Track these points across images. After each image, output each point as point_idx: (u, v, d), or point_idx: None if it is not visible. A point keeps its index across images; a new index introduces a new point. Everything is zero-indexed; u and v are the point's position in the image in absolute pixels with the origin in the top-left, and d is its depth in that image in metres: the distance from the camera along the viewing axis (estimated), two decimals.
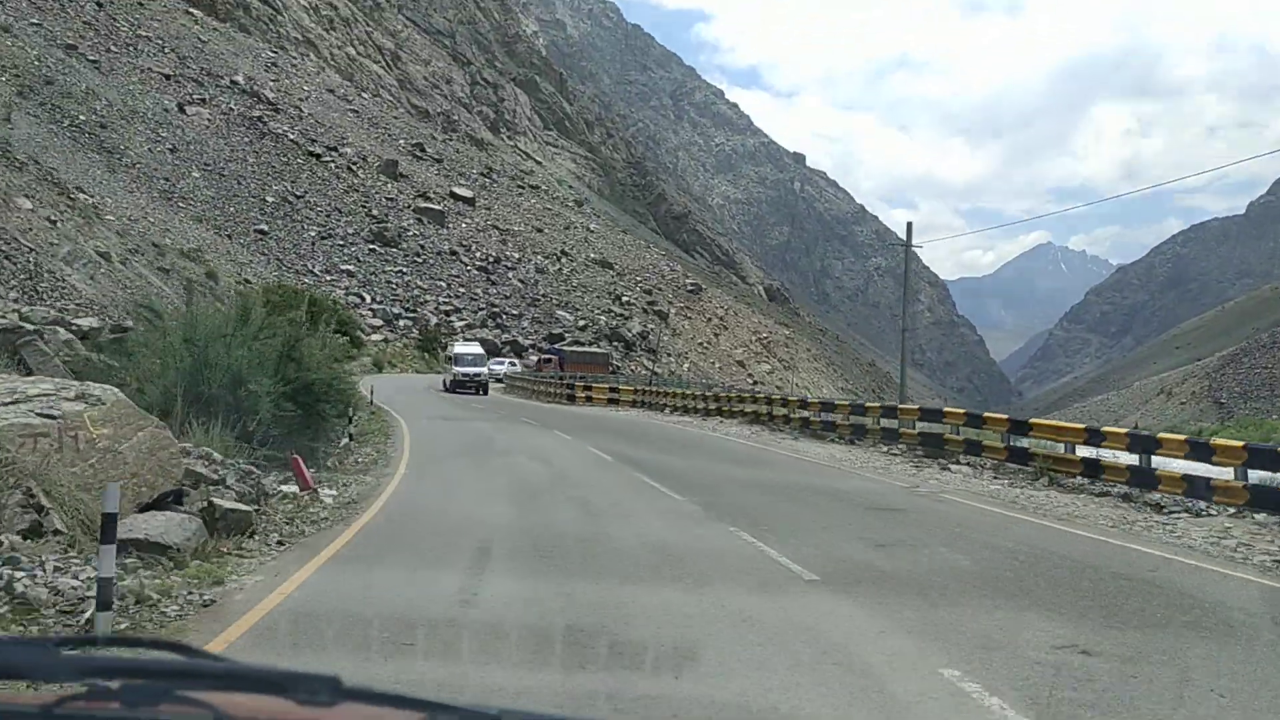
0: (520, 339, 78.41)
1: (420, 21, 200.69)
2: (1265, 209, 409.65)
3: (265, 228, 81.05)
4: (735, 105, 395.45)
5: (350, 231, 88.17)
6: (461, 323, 76.05)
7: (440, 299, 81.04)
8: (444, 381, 49.74)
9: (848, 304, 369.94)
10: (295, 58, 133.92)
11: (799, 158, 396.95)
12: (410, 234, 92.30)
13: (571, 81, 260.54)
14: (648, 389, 43.32)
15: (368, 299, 75.06)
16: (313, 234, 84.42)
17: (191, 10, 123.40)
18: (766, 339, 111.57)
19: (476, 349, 51.89)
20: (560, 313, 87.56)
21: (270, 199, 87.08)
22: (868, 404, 26.88)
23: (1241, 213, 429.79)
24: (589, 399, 42.73)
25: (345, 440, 18.80)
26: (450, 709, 1.43)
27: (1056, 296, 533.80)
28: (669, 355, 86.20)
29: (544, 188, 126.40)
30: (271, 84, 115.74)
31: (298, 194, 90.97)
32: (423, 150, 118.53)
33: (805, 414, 26.36)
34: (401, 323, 72.05)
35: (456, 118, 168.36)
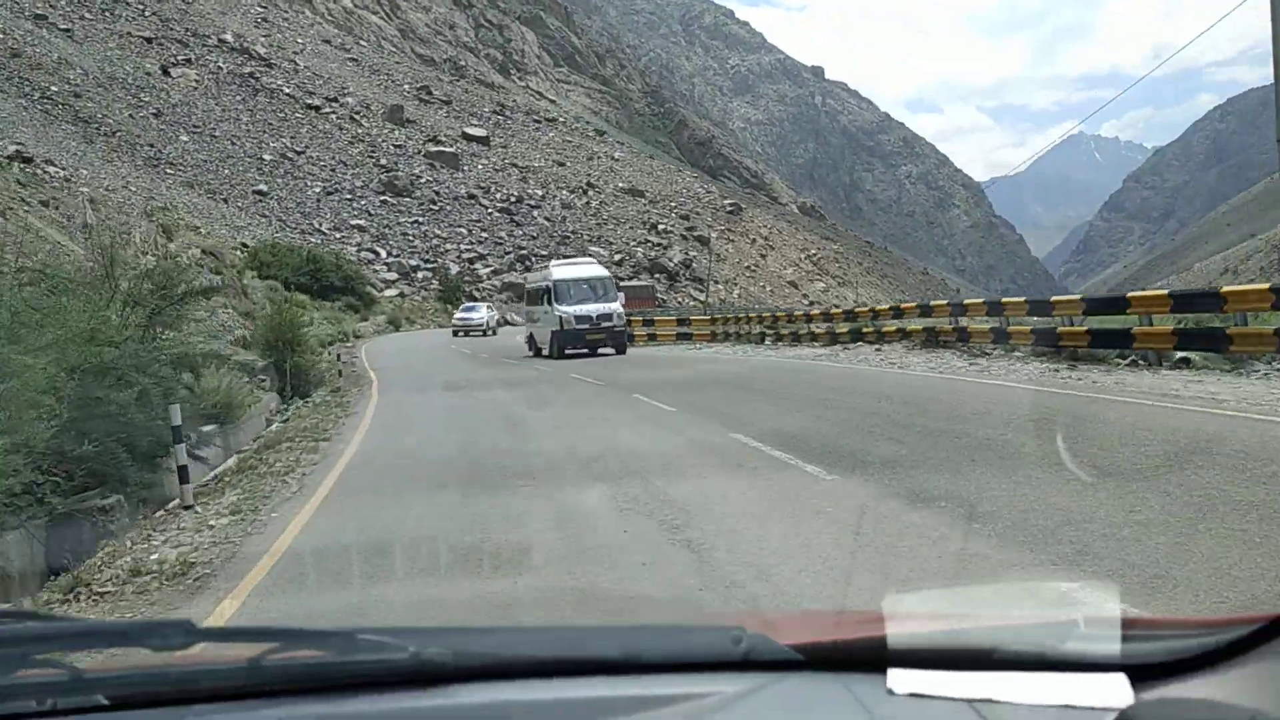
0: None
1: None
2: None
3: (264, 188, 73.41)
4: (747, 24, 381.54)
5: (359, 184, 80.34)
6: (487, 269, 68.27)
7: (462, 246, 73.21)
8: (529, 340, 30.22)
9: (881, 216, 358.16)
10: (287, 12, 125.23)
11: (818, 71, 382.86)
12: (423, 181, 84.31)
13: (578, 16, 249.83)
14: (727, 317, 35.08)
15: (382, 254, 67.40)
16: (317, 190, 76.71)
17: None
18: (816, 256, 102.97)
19: (594, 270, 30.00)
20: (593, 249, 79.39)
21: (268, 157, 79.32)
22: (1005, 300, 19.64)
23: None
24: (652, 337, 34.26)
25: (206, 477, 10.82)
26: (300, 634, 1.47)
27: (1093, 187, 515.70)
28: (716, 282, 77.95)
29: (561, 120, 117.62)
30: (263, 40, 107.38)
31: (298, 149, 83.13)
32: (429, 93, 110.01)
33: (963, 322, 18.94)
34: (420, 275, 64.31)
35: (464, 63, 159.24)
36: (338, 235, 69.42)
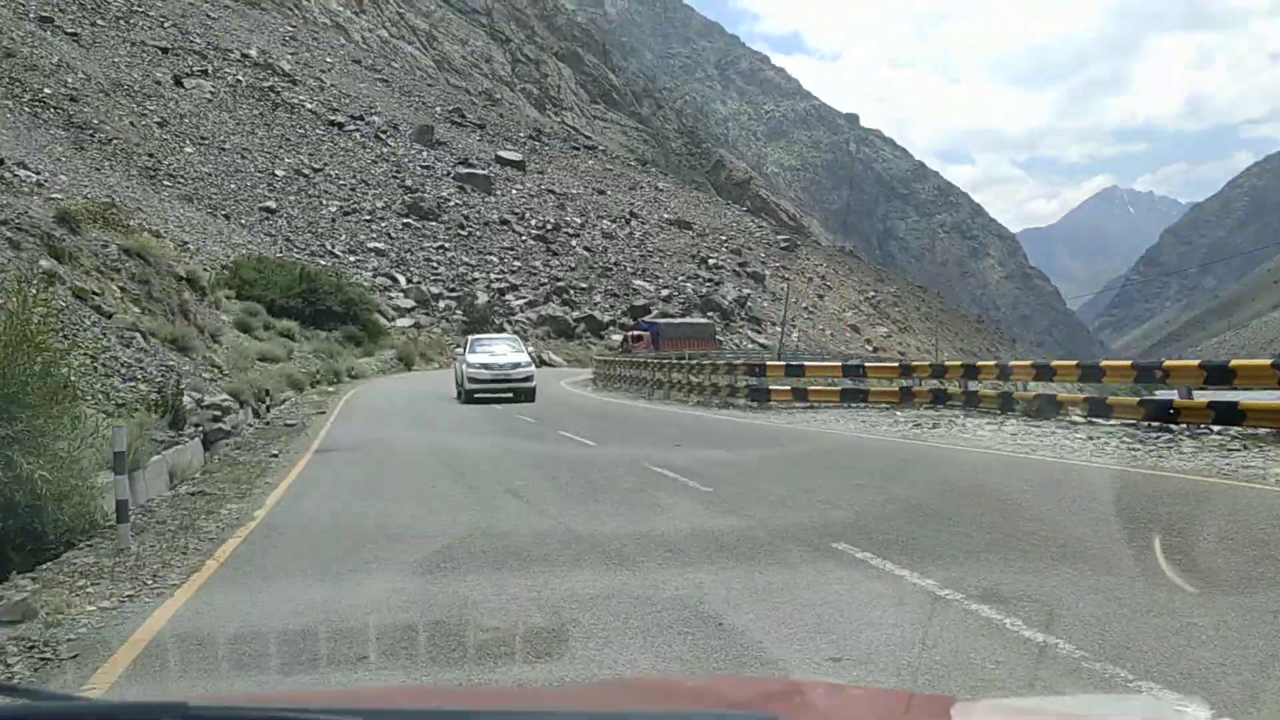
0: (597, 315, 61.12)
1: (454, 1, 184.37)
2: None
3: (274, 204, 64.56)
4: (782, 70, 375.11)
5: (379, 205, 71.41)
6: (520, 300, 58.90)
7: (492, 275, 63.94)
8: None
9: (914, 264, 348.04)
10: (319, 35, 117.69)
11: (852, 118, 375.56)
12: (452, 204, 75.32)
13: (615, 57, 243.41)
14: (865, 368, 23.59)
15: (401, 280, 58.14)
16: (332, 210, 67.78)
17: None
18: (875, 299, 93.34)
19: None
20: (638, 282, 70.06)
21: (281, 173, 70.61)
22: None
23: None
24: (801, 395, 21.93)
25: None
26: (299, 711, 1.44)
27: (1127, 241, 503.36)
28: (773, 324, 68.30)
29: (602, 148, 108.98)
30: (289, 57, 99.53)
31: (315, 166, 74.44)
32: (462, 116, 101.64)
33: None
34: (441, 304, 54.90)
35: (499, 96, 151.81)
36: (353, 259, 60.33)
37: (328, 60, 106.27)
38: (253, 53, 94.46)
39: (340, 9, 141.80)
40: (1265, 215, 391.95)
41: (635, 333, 52.46)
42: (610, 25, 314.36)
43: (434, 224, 70.87)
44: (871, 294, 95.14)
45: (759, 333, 64.94)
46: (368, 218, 68.28)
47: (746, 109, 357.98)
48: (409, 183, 76.72)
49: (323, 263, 55.58)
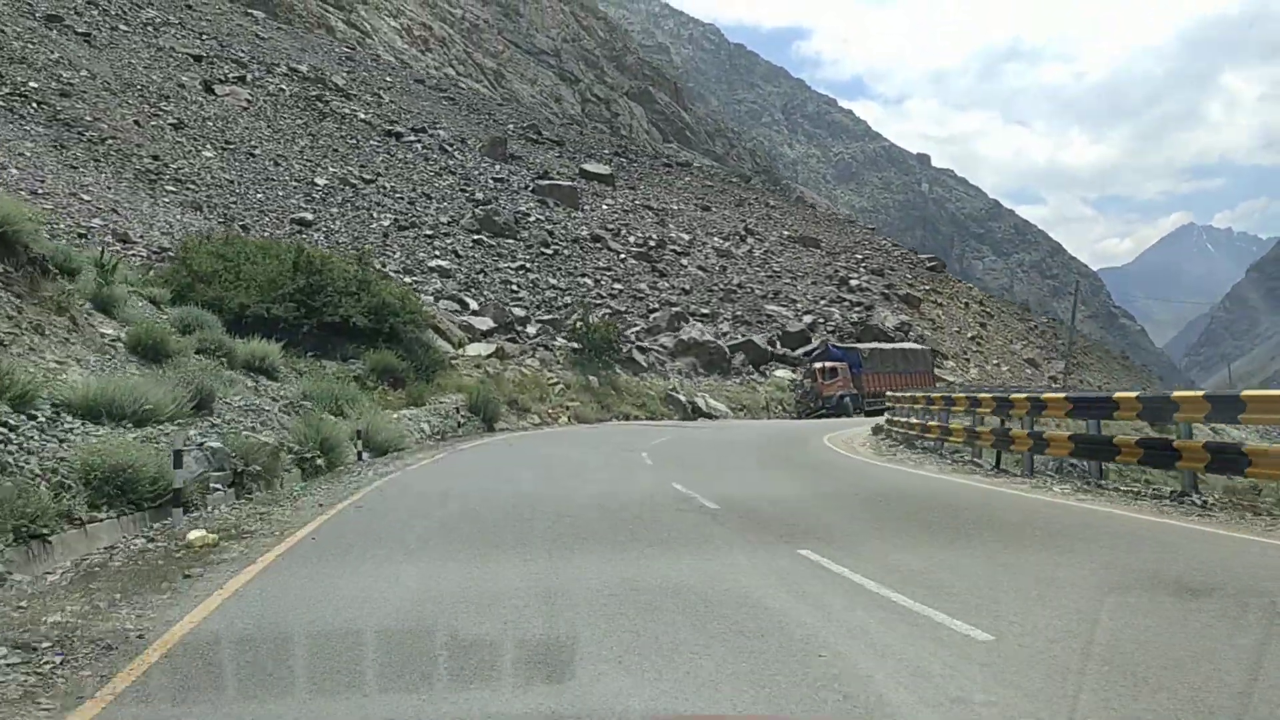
0: (758, 341, 44.25)
1: (522, 43, 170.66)
2: None
3: (310, 216, 48.80)
4: (850, 112, 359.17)
5: (444, 220, 55.40)
6: (633, 328, 41.87)
7: (588, 300, 47.28)
8: None
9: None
10: (378, 63, 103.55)
11: (923, 159, 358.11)
12: (532, 220, 59.10)
13: (685, 96, 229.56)
14: None
15: (472, 304, 41.47)
16: (386, 223, 51.85)
17: (252, 12, 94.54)
18: (1038, 328, 75.36)
19: None
20: (771, 307, 52.84)
21: (322, 182, 55.10)
22: None
23: None
24: None
25: None
26: None
27: (1208, 278, 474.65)
28: (944, 356, 50.49)
29: (696, 164, 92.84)
30: (345, 74, 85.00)
31: (366, 178, 58.87)
32: (538, 133, 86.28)
33: None
34: (531, 328, 37.93)
35: (565, 140, 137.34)
36: (409, 279, 44.03)
37: (387, 79, 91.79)
38: (303, 68, 79.98)
39: (405, 47, 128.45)
40: None
41: (826, 364, 35.68)
42: (676, 72, 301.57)
43: (511, 241, 54.57)
44: (1033, 323, 77.05)
45: (936, 366, 47.30)
46: (429, 233, 52.24)
47: (815, 152, 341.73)
48: (479, 195, 60.84)
49: None
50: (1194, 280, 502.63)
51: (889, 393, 27.39)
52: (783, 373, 40.33)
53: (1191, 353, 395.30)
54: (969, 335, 60.91)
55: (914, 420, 19.20)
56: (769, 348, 42.77)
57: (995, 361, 59.96)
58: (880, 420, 23.44)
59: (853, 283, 61.28)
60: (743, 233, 67.64)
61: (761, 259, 62.85)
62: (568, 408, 26.53)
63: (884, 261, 70.82)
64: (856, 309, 55.62)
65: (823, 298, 57.06)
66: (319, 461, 12.17)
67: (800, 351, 43.66)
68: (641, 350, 35.98)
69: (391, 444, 15.16)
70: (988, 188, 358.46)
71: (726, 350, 40.26)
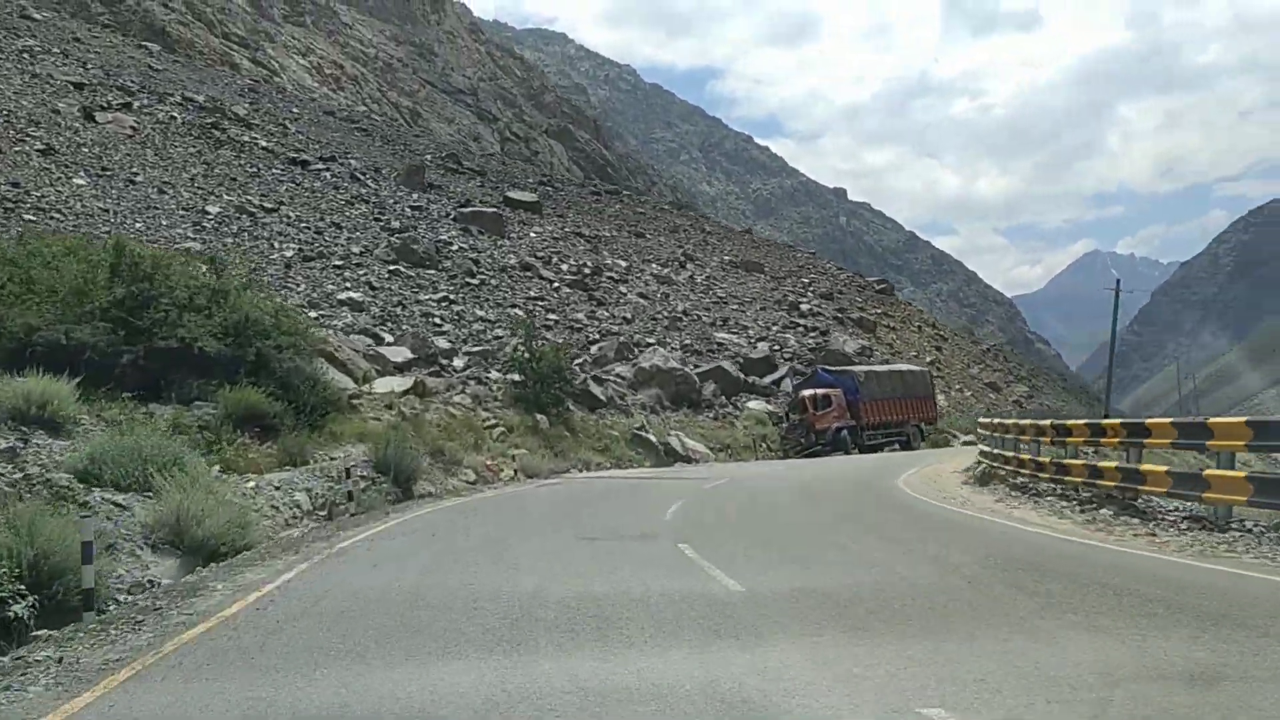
0: (727, 368, 38.84)
1: (438, 82, 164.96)
2: None
3: (198, 245, 42.26)
4: (767, 149, 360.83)
5: (356, 250, 49.33)
6: (577, 360, 36.16)
7: (531, 319, 41.56)
8: None
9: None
10: (285, 98, 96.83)
11: (840, 193, 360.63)
12: (455, 249, 53.37)
13: (605, 135, 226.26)
14: None
15: (389, 338, 35.45)
16: (288, 254, 45.57)
17: (147, 45, 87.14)
18: (990, 351, 71.71)
19: None
20: (721, 335, 47.72)
21: (214, 210, 48.60)
22: None
23: None
24: None
25: None
26: None
27: (1113, 303, 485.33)
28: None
29: (626, 192, 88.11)
30: (246, 105, 78.29)
31: (268, 206, 52.50)
32: (458, 163, 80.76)
33: None
34: (461, 360, 31.96)
35: (487, 170, 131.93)
36: (316, 314, 37.91)
37: (294, 110, 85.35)
38: (199, 98, 73.14)
39: (316, 85, 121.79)
40: (1255, 269, 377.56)
41: (819, 391, 30.45)
42: (594, 111, 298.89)
43: (432, 271, 48.73)
44: (985, 346, 73.48)
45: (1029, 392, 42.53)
46: (339, 263, 46.14)
47: (734, 188, 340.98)
48: (396, 224, 54.95)
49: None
50: (1101, 304, 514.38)
51: (982, 420, 22.13)
52: (755, 404, 34.98)
53: (1102, 375, 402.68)
54: (928, 360, 56.65)
55: (1075, 461, 14.02)
56: (740, 374, 37.49)
57: (958, 386, 55.70)
58: (953, 452, 18.08)
59: (804, 307, 56.64)
60: (682, 259, 62.68)
61: (704, 285, 57.87)
62: (512, 457, 20.55)
63: (831, 285, 66.47)
64: (812, 334, 50.86)
65: (774, 324, 52.19)
66: (17, 610, 6.30)
67: (769, 380, 38.50)
68: (598, 381, 30.30)
69: (226, 540, 9.17)
70: (903, 220, 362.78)
71: (696, 379, 34.78)
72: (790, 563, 9.31)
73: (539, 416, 23.75)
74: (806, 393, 33.92)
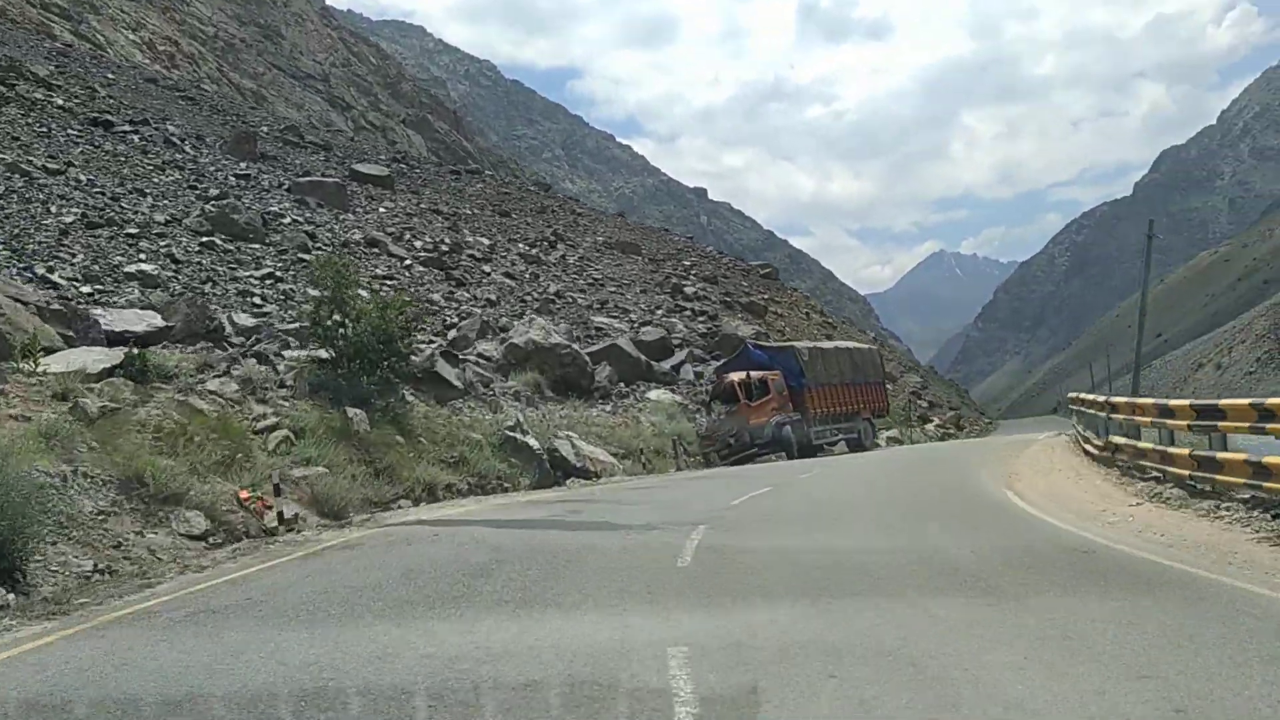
0: (624, 346, 32.03)
1: (285, 66, 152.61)
2: (1151, 186, 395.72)
3: None
4: (628, 148, 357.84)
5: (161, 219, 40.40)
6: (430, 344, 28.73)
7: (343, 249, 33.88)
8: None
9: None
10: (107, 64, 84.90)
11: (700, 192, 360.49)
12: (286, 221, 44.96)
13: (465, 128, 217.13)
14: None
15: (127, 297, 27.14)
16: (67, 220, 36.50)
17: None
18: (877, 340, 67.59)
19: None
20: (600, 319, 41.08)
21: None
22: None
23: (1129, 194, 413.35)
24: None
25: None
26: None
27: (959, 300, 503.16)
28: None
29: (489, 173, 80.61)
30: (50, 67, 67.00)
31: (52, 168, 42.91)
32: (299, 135, 71.61)
33: None
34: (259, 340, 24.17)
35: (333, 145, 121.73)
36: (88, 289, 29.38)
37: (109, 76, 74.20)
38: None
39: (147, 62, 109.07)
40: (1088, 268, 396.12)
41: (751, 375, 23.81)
42: (455, 106, 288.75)
43: (257, 246, 40.36)
44: (873, 335, 69.24)
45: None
46: (134, 232, 37.27)
47: (596, 186, 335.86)
48: (214, 192, 46.08)
49: (25, 290, 24.55)
50: (948, 302, 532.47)
51: (1076, 404, 15.66)
52: (657, 394, 27.85)
53: (950, 370, 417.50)
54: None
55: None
56: (640, 355, 30.46)
57: None
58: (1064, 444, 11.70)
59: (688, 290, 50.61)
60: (551, 238, 55.73)
61: (578, 266, 51.12)
62: (295, 482, 12.45)
63: (715, 269, 60.81)
64: (700, 318, 44.83)
65: (658, 307, 45.88)
66: None
67: (669, 365, 31.67)
68: (452, 360, 22.66)
69: None
70: (761, 220, 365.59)
71: (587, 360, 27.37)
72: None
73: (353, 413, 15.39)
74: (735, 376, 26.65)
